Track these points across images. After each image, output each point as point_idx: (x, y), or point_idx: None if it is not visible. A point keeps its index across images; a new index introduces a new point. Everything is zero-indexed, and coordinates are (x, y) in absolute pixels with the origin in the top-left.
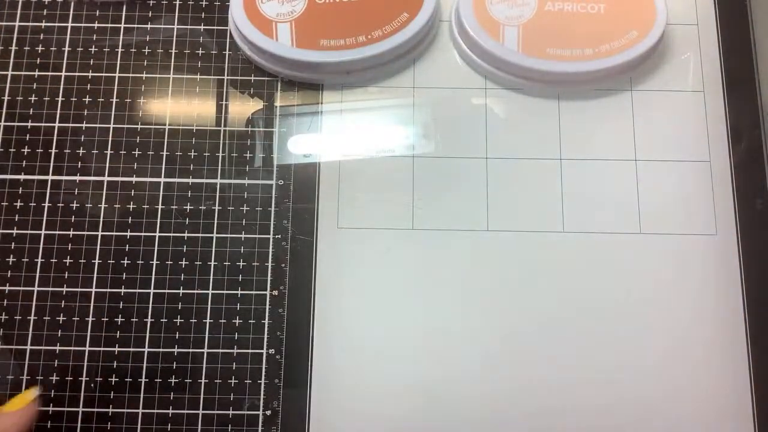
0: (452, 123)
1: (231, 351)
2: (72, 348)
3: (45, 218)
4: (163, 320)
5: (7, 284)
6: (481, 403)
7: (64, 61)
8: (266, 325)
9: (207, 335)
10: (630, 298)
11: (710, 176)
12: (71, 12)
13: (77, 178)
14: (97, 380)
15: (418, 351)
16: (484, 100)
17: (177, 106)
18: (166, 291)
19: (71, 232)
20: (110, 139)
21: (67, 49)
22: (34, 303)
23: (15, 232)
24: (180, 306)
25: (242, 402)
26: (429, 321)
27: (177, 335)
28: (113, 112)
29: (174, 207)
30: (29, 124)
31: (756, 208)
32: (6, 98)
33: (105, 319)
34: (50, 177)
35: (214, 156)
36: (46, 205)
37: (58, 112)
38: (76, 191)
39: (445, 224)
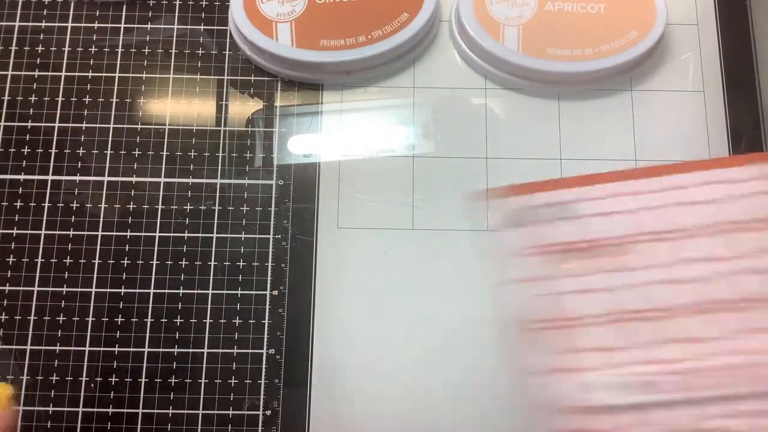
0: (452, 123)
1: (231, 351)
2: (72, 348)
3: (45, 218)
4: (163, 320)
5: (7, 284)
6: (482, 403)
7: (64, 61)
8: (266, 325)
9: (207, 335)
10: None
11: None
12: (71, 12)
13: (77, 178)
14: (97, 380)
15: (418, 351)
16: (484, 100)
17: (177, 106)
18: (166, 291)
19: (71, 232)
20: (110, 139)
21: (67, 49)
22: (34, 303)
23: (15, 232)
24: (180, 306)
25: (242, 402)
26: (429, 321)
27: (177, 335)
28: (113, 112)
29: (174, 207)
30: (29, 124)
31: None
32: (6, 98)
33: (105, 319)
34: (50, 177)
35: (214, 156)
36: (46, 205)
37: (58, 112)
38: (76, 191)
39: (445, 224)
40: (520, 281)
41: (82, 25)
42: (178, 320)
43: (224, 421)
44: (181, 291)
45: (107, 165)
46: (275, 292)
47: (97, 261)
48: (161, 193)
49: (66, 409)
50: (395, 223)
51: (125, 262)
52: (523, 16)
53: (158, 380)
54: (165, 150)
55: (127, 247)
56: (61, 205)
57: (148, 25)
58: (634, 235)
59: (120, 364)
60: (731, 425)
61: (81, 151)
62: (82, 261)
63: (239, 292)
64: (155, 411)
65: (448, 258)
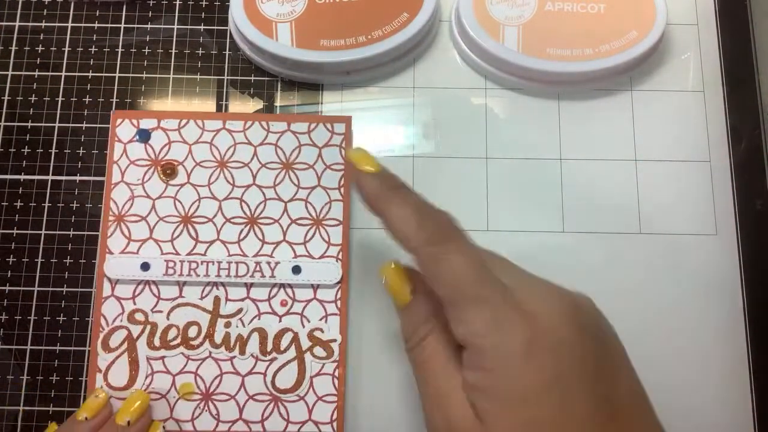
0: (452, 123)
1: None
2: (72, 348)
3: (45, 218)
4: None
5: (7, 284)
6: None
7: (64, 61)
8: None
9: None
10: (629, 297)
11: (710, 176)
12: (71, 12)
13: (77, 178)
14: None
15: None
16: (484, 100)
17: (177, 106)
18: None
19: (71, 232)
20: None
21: (67, 49)
22: (34, 303)
23: (15, 232)
24: None
25: None
26: None
27: None
28: (113, 112)
29: None
30: (29, 124)
31: (756, 208)
32: (6, 98)
33: None
34: (50, 177)
35: None
36: (46, 205)
37: (58, 112)
38: (76, 191)
39: None
40: None
41: (82, 25)
42: None
43: None
44: None
45: (107, 165)
46: None
47: (97, 261)
48: None
49: (66, 409)
50: None
51: None
52: (523, 16)
53: None
54: None
55: None
56: (61, 205)
57: (148, 25)
58: None
59: None
60: None
61: (81, 151)
62: (82, 261)
63: None
64: None
65: None
